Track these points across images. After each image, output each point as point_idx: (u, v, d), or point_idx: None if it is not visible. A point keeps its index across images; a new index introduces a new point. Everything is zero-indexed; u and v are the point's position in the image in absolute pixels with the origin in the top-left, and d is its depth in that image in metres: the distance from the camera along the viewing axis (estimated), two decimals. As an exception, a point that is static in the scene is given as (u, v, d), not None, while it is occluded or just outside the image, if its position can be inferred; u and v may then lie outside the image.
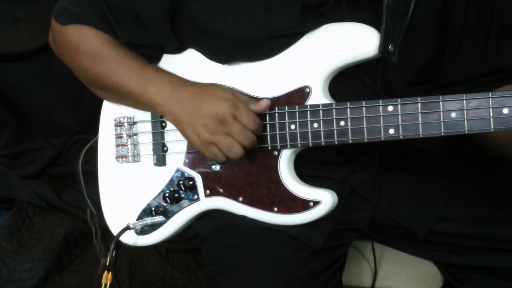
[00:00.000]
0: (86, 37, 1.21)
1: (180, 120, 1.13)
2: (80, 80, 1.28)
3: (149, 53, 1.24)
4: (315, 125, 1.12)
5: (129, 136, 1.28)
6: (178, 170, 1.24)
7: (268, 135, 1.15)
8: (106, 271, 1.25)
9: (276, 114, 1.15)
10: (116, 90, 1.21)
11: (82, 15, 1.19)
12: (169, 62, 1.25)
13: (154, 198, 1.27)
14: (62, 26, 1.22)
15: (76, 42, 1.21)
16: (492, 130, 1.01)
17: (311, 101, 1.13)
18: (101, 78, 1.21)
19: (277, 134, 1.15)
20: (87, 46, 1.20)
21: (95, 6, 1.18)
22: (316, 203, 1.14)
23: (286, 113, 1.14)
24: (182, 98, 1.12)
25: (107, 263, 1.24)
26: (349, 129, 1.09)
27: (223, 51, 1.17)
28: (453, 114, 1.02)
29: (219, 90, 1.12)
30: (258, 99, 1.14)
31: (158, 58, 1.26)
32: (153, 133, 1.26)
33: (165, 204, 1.26)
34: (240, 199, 1.20)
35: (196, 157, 1.23)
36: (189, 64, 1.23)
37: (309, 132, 1.12)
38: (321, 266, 1.24)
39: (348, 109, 1.09)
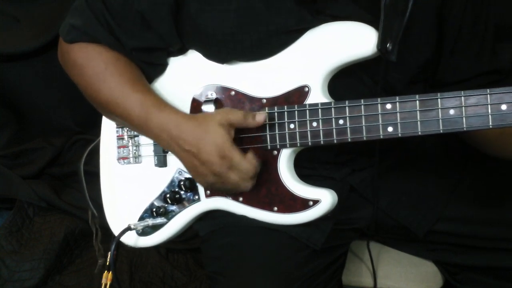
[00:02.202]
0: (90, 60, 1.21)
1: (183, 164, 1.16)
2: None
3: (156, 59, 1.24)
4: (314, 124, 1.12)
5: (130, 137, 1.29)
6: (178, 171, 1.24)
7: (268, 135, 1.15)
8: (106, 271, 1.25)
9: (275, 113, 1.15)
10: (120, 120, 1.23)
11: (86, 28, 1.19)
12: (173, 65, 1.26)
13: (155, 199, 1.27)
14: (69, 45, 1.22)
15: (81, 64, 1.22)
16: (491, 126, 1.00)
17: (310, 100, 1.13)
18: (106, 105, 1.21)
19: (276, 134, 1.15)
20: (91, 69, 1.21)
21: (98, 15, 1.18)
22: (315, 202, 1.14)
23: (285, 113, 1.14)
24: (181, 144, 1.12)
25: (107, 263, 1.24)
26: (348, 128, 1.09)
27: (223, 51, 1.17)
28: (452, 111, 1.02)
29: (215, 136, 1.09)
30: (254, 114, 1.13)
31: (165, 66, 1.26)
32: (154, 134, 1.26)
33: (166, 204, 1.26)
34: (240, 199, 1.20)
35: (196, 157, 1.23)
36: (189, 65, 1.23)
37: (308, 131, 1.12)
38: (321, 266, 1.24)
39: (347, 107, 1.09)
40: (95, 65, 1.20)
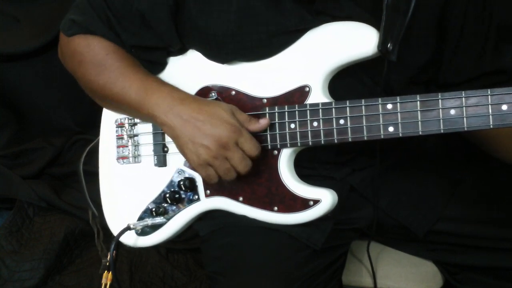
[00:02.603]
0: (91, 47, 1.21)
1: (179, 136, 1.11)
2: (85, 91, 1.28)
3: (155, 57, 1.24)
4: (315, 124, 1.12)
5: (130, 137, 1.29)
6: (178, 171, 1.24)
7: (268, 135, 1.16)
8: (106, 271, 1.25)
9: (276, 113, 1.15)
10: (116, 101, 1.21)
11: (87, 23, 1.20)
12: (173, 65, 1.26)
13: (155, 199, 1.27)
14: (69, 38, 1.23)
15: (81, 52, 1.22)
16: (491, 126, 1.01)
17: (310, 100, 1.13)
18: (103, 88, 1.21)
19: (277, 134, 1.15)
20: (91, 56, 1.21)
21: (99, 12, 1.19)
22: (316, 202, 1.14)
23: (286, 113, 1.14)
24: (181, 113, 1.11)
25: (108, 263, 1.24)
26: (349, 128, 1.09)
27: (223, 51, 1.17)
28: (452, 111, 1.02)
29: (221, 112, 1.10)
30: (258, 118, 1.13)
31: (164, 65, 1.26)
32: (154, 134, 1.26)
33: (165, 204, 1.26)
34: (240, 198, 1.20)
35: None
36: (190, 65, 1.24)
37: (309, 131, 1.12)
38: (321, 266, 1.24)
39: (348, 107, 1.09)
40: (96, 52, 1.20)
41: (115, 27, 1.20)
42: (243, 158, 1.09)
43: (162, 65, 1.26)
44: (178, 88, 1.17)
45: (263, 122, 1.13)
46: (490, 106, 1.00)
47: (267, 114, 1.15)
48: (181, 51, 1.25)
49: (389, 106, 1.06)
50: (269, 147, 1.16)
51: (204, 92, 1.21)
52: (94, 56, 1.20)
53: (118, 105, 1.23)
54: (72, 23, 1.22)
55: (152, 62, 1.25)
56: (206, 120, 1.09)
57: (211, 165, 1.11)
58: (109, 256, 1.23)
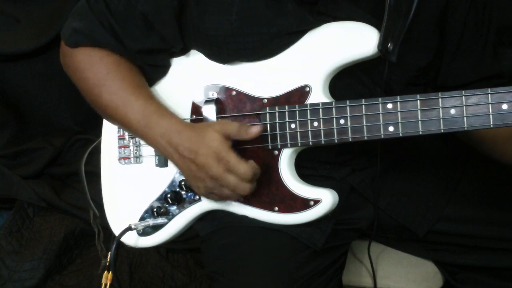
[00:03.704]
0: (92, 64, 1.20)
1: (180, 168, 1.16)
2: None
3: (159, 60, 1.24)
4: (315, 124, 1.12)
5: (131, 137, 1.29)
6: (179, 171, 1.24)
7: (269, 135, 1.15)
8: (106, 271, 1.25)
9: (277, 113, 1.15)
10: (119, 124, 1.24)
11: (89, 31, 1.19)
12: (175, 66, 1.26)
13: (156, 199, 1.27)
14: (71, 49, 1.22)
15: (83, 69, 1.21)
16: (492, 126, 1.01)
17: (311, 100, 1.13)
18: (105, 109, 1.21)
19: (277, 134, 1.15)
20: (92, 74, 1.20)
21: (101, 18, 1.18)
22: (316, 202, 1.14)
23: (286, 113, 1.14)
24: (178, 147, 1.12)
25: (108, 263, 1.24)
26: (349, 128, 1.09)
27: (224, 52, 1.17)
28: (452, 111, 1.02)
29: (211, 142, 1.09)
30: (249, 126, 1.12)
31: (167, 67, 1.26)
32: (154, 134, 1.26)
33: (167, 205, 1.26)
34: (241, 198, 1.20)
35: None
36: (191, 65, 1.24)
37: (309, 131, 1.12)
38: (321, 266, 1.24)
39: (348, 107, 1.09)
40: (97, 70, 1.20)
41: (118, 33, 1.19)
42: (239, 183, 1.08)
43: (165, 68, 1.26)
44: (176, 118, 1.17)
45: (254, 130, 1.12)
46: (490, 105, 1.00)
47: (267, 114, 1.15)
48: (183, 51, 1.25)
49: (389, 105, 1.06)
50: (270, 147, 1.16)
51: (205, 92, 1.21)
52: (95, 75, 1.20)
53: (121, 127, 1.27)
54: (73, 31, 1.20)
55: (155, 66, 1.25)
56: (198, 152, 1.09)
57: (213, 194, 1.13)
58: (109, 256, 1.23)
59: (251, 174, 1.08)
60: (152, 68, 1.24)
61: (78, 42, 1.20)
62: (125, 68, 1.21)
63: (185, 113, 1.23)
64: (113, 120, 1.24)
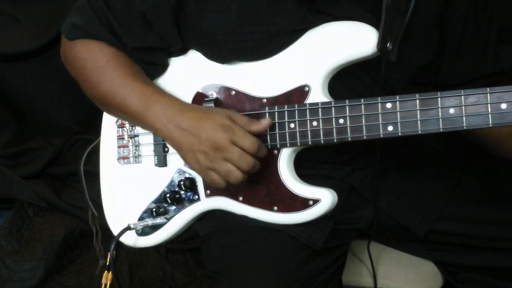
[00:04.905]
0: (92, 54, 1.21)
1: (180, 147, 1.13)
2: (88, 97, 1.29)
3: (157, 59, 1.24)
4: (314, 123, 1.12)
5: (131, 137, 1.29)
6: (179, 171, 1.25)
7: (268, 134, 1.15)
8: (106, 271, 1.25)
9: (276, 113, 1.15)
10: (118, 110, 1.22)
11: (88, 27, 1.20)
12: (174, 65, 1.26)
13: (155, 199, 1.27)
14: (71, 42, 1.23)
15: (83, 58, 1.22)
16: (491, 125, 1.01)
17: (310, 99, 1.13)
18: (104, 97, 1.21)
19: (277, 133, 1.15)
20: (92, 62, 1.21)
21: (100, 15, 1.19)
22: (315, 201, 1.14)
23: (286, 112, 1.14)
24: (181, 124, 1.11)
25: (107, 263, 1.24)
26: (348, 127, 1.09)
27: (223, 51, 1.17)
28: (452, 110, 1.02)
29: (217, 116, 1.10)
30: (258, 119, 1.13)
31: (166, 66, 1.26)
32: (154, 134, 1.26)
33: (166, 204, 1.26)
34: (240, 198, 1.20)
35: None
36: (190, 65, 1.24)
37: (309, 131, 1.12)
38: (321, 266, 1.24)
39: (347, 107, 1.09)
40: (96, 59, 1.20)
41: (116, 30, 1.19)
42: (242, 156, 1.08)
43: (163, 66, 1.26)
44: (176, 98, 1.18)
45: (264, 122, 1.13)
46: (489, 105, 1.00)
47: (266, 114, 1.15)
48: (182, 51, 1.25)
49: (389, 105, 1.06)
50: (269, 146, 1.16)
51: (204, 92, 1.21)
52: (95, 63, 1.20)
53: (119, 114, 1.25)
54: (73, 26, 1.21)
55: (154, 64, 1.25)
56: (202, 127, 1.09)
57: (212, 169, 1.10)
58: (109, 256, 1.23)
59: (256, 147, 1.08)
60: (150, 66, 1.24)
61: (77, 36, 1.21)
62: (124, 57, 1.22)
63: (185, 113, 1.22)
64: (111, 107, 1.23)
